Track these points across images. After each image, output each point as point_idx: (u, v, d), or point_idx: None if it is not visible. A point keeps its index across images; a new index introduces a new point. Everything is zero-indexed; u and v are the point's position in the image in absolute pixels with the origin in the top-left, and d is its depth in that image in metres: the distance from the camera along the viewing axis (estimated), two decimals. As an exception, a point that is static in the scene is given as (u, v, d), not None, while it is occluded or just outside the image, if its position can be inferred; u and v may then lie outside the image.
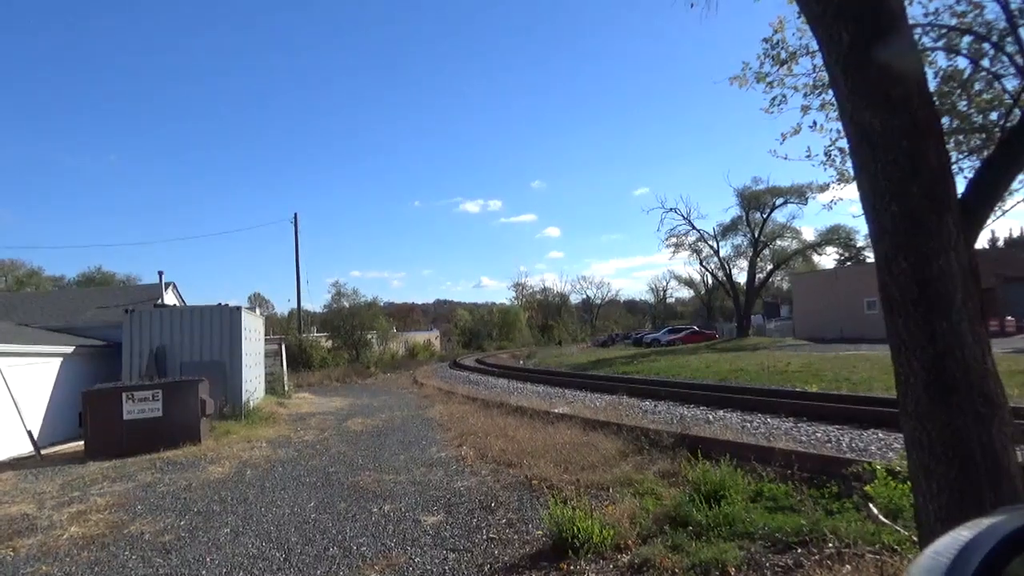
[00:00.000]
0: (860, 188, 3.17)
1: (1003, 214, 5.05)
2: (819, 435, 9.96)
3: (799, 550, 5.02)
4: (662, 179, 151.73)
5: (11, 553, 6.46)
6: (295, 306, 41.71)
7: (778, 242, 53.56)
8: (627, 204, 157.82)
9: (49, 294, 33.89)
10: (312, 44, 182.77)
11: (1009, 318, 33.29)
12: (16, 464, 11.83)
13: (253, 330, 20.15)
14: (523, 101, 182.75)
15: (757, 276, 52.43)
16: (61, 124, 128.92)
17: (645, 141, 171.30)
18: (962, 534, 0.82)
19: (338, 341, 43.32)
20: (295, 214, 38.67)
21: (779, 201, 49.22)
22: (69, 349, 16.10)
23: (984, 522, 0.83)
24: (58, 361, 15.60)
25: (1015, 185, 4.21)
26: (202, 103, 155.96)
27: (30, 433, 12.66)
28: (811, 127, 5.65)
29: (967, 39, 4.58)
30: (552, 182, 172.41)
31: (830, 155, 5.65)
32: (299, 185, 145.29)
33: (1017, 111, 4.06)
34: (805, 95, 5.46)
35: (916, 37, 3.72)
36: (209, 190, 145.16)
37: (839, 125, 5.11)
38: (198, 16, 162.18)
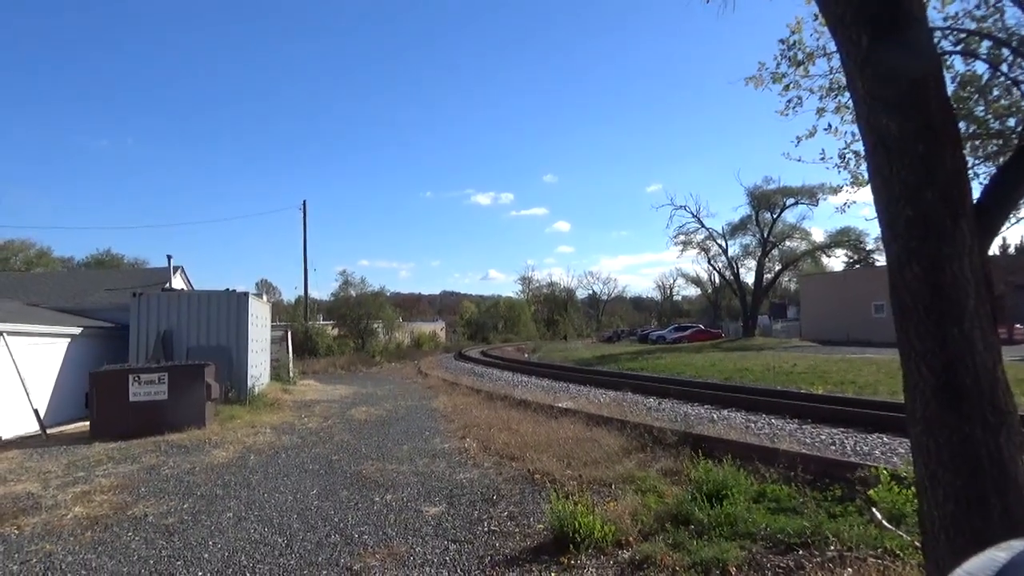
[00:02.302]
0: (874, 191, 3.15)
1: (1017, 221, 5.02)
2: (823, 437, 9.93)
3: (801, 552, 5.01)
4: (674, 177, 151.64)
5: (16, 531, 6.52)
6: (302, 293, 41.82)
7: (787, 243, 53.46)
8: (639, 200, 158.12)
9: (58, 275, 34.04)
10: (327, 34, 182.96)
11: (1018, 325, 33.13)
12: (22, 443, 11.93)
13: (260, 316, 20.21)
14: (537, 95, 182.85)
15: (765, 276, 52.34)
16: (79, 106, 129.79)
17: (659, 138, 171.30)
18: (998, 555, 0.80)
19: (344, 329, 43.44)
20: (303, 201, 38.70)
21: (789, 201, 49.14)
22: (77, 330, 16.19)
23: (1016, 544, 0.82)
24: (66, 342, 15.69)
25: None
26: (217, 90, 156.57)
27: (36, 412, 12.76)
28: (826, 130, 5.61)
29: (986, 44, 4.54)
30: (564, 176, 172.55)
31: (845, 158, 5.61)
32: (310, 173, 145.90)
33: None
34: (821, 97, 5.42)
35: (935, 41, 3.69)
36: (220, 176, 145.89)
37: (854, 128, 5.08)
38: (214, 4, 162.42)
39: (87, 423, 12.68)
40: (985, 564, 0.79)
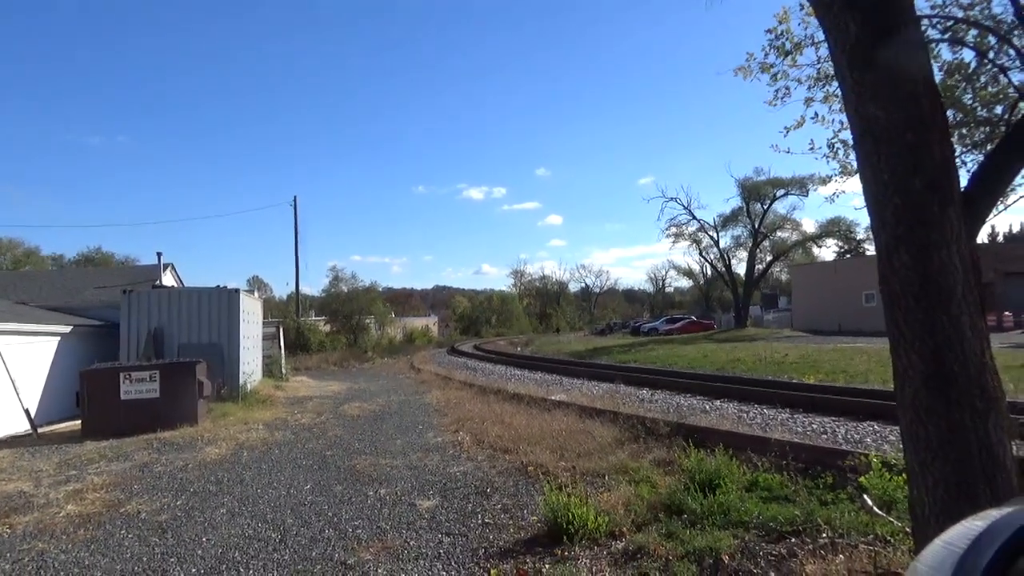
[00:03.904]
0: (863, 180, 3.16)
1: (1005, 208, 5.05)
2: (815, 426, 9.98)
3: (793, 540, 5.04)
4: (666, 169, 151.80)
5: (8, 530, 6.48)
6: (294, 290, 41.72)
7: (778, 233, 53.70)
8: (631, 193, 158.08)
9: (48, 273, 33.82)
10: (317, 30, 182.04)
11: (1007, 313, 33.36)
12: (13, 442, 11.86)
13: (251, 313, 20.13)
14: (529, 89, 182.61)
15: (756, 267, 52.57)
16: (71, 103, 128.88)
17: (651, 131, 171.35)
18: (974, 524, 0.82)
19: (336, 325, 43.39)
20: (295, 197, 38.65)
21: (780, 192, 49.39)
22: (67, 329, 16.10)
23: (993, 513, 0.83)
24: (56, 340, 15.60)
25: (1017, 180, 4.20)
26: (208, 86, 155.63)
27: (27, 411, 12.68)
28: (813, 119, 5.64)
29: (973, 32, 4.56)
30: (557, 170, 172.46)
31: (833, 147, 5.64)
32: (302, 169, 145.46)
33: (1022, 105, 4.05)
34: (809, 87, 5.44)
35: (922, 29, 3.69)
36: (211, 173, 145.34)
37: (843, 117, 5.11)
38: (204, 8, 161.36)
39: (78, 422, 12.61)
40: (963, 533, 0.80)
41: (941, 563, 0.80)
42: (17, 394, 12.77)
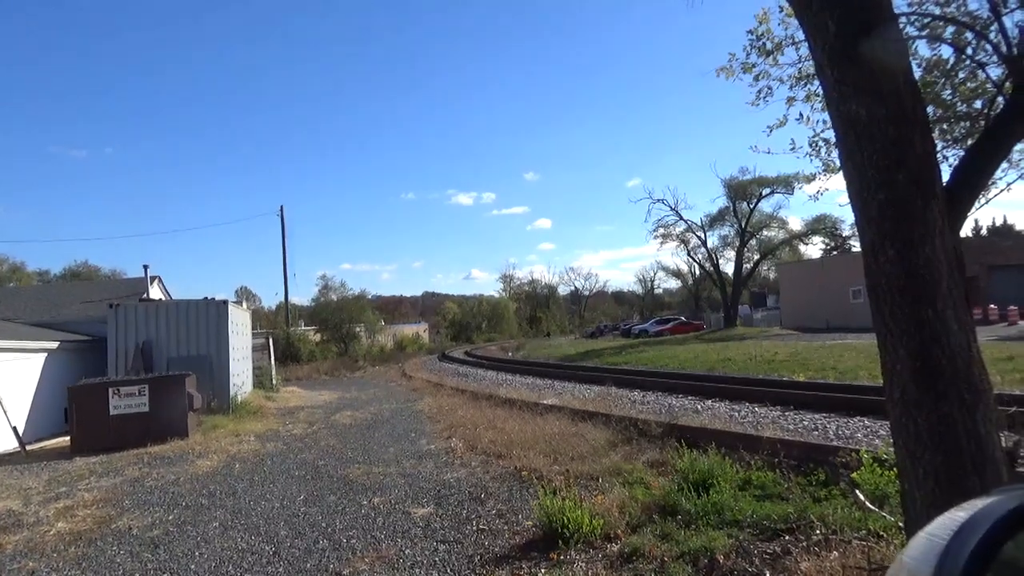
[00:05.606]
0: (846, 177, 3.19)
1: (987, 202, 5.09)
2: (806, 423, 10.02)
3: (787, 537, 5.05)
4: (653, 170, 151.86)
5: (-3, 550, 6.40)
6: (283, 300, 41.54)
7: (765, 232, 54.05)
8: (619, 195, 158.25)
9: (33, 289, 33.54)
10: (303, 34, 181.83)
11: (992, 306, 33.64)
12: (1, 460, 11.72)
13: (240, 324, 20.03)
14: (517, 94, 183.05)
15: (744, 266, 52.84)
16: (57, 116, 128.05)
17: (637, 132, 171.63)
18: (957, 515, 0.82)
19: (326, 335, 43.26)
20: (281, 207, 38.56)
21: (766, 191, 49.65)
22: (54, 344, 15.96)
23: (978, 503, 0.84)
24: (43, 356, 15.46)
25: (998, 173, 4.24)
26: (195, 95, 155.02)
27: (15, 429, 12.55)
28: (797, 119, 5.68)
29: (951, 28, 4.60)
30: (546, 173, 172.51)
31: (816, 146, 5.67)
32: (290, 178, 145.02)
33: (1001, 99, 4.09)
34: (791, 86, 5.48)
35: (900, 26, 3.73)
36: (196, 183, 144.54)
37: (825, 116, 5.15)
38: (187, 7, 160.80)
39: (67, 438, 12.50)
40: (945, 524, 0.81)
41: (925, 555, 0.81)
42: (4, 411, 12.64)
